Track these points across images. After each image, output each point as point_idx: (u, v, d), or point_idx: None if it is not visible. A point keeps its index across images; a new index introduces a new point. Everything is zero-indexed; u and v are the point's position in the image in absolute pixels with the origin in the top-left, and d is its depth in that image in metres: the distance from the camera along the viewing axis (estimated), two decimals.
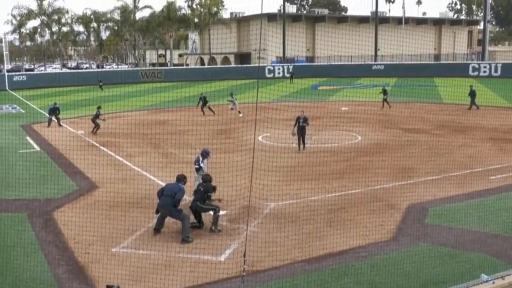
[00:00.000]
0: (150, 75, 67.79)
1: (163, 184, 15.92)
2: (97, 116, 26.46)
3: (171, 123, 29.41)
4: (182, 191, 11.50)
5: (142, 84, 61.44)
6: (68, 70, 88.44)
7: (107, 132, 25.42)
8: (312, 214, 12.67)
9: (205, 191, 11.88)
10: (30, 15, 78.78)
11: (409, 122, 28.01)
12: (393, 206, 13.49)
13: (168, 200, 11.39)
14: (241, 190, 12.66)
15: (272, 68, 69.33)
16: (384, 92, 34.74)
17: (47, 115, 29.97)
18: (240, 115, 30.76)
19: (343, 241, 11.02)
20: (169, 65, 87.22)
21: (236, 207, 13.33)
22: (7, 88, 57.59)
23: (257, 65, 74.41)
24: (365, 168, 17.50)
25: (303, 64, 75.59)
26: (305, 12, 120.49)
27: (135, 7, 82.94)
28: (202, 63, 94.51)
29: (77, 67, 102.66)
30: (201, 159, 13.56)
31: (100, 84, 55.75)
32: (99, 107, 26.94)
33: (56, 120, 29.23)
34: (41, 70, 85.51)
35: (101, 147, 22.84)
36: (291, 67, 67.46)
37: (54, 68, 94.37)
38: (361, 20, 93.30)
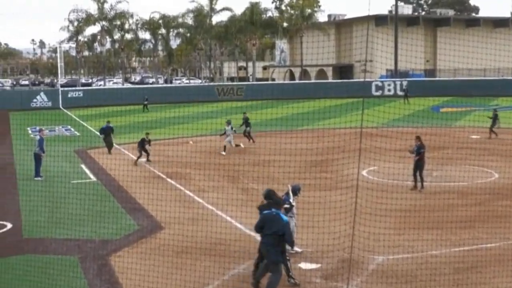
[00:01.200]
0: (228, 91, 69.36)
1: (241, 226, 16.17)
2: (143, 142, 27.29)
3: (253, 152, 29.75)
4: (286, 227, 11.29)
5: (219, 102, 62.86)
6: (131, 85, 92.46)
7: (175, 162, 26.13)
8: (433, 273, 12.31)
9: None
10: (89, 20, 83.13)
11: None
12: None
13: (273, 240, 11.23)
14: (340, 239, 12.50)
15: (380, 84, 68.71)
16: (495, 117, 33.54)
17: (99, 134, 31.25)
18: (241, 146, 30.64)
19: None
20: (251, 79, 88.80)
21: (334, 260, 13.15)
22: (60, 106, 61.10)
23: (361, 80, 74.03)
24: (504, 215, 16.86)
25: (421, 79, 74.26)
26: (423, 13, 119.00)
27: (212, 9, 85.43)
28: (292, 77, 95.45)
29: (141, 82, 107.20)
30: (291, 196, 13.57)
31: (146, 103, 57.07)
32: (147, 133, 27.80)
33: (106, 144, 30.37)
34: (100, 85, 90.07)
35: (168, 179, 23.48)
36: (405, 83, 66.67)
37: (115, 82, 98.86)
38: (497, 23, 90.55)
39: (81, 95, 64.99)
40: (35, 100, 62.22)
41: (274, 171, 22.08)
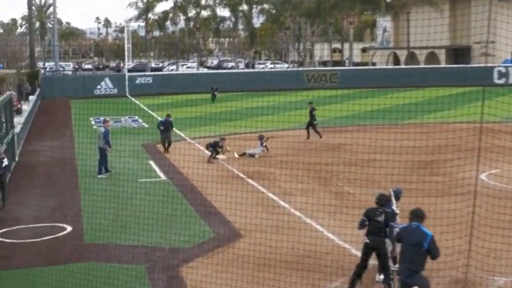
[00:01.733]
0: (320, 78, 69.20)
1: (333, 237, 16.09)
2: (215, 146, 27.51)
3: (349, 149, 29.51)
4: (431, 242, 10.99)
5: (308, 91, 62.70)
6: (207, 71, 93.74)
7: (257, 159, 26.33)
8: None
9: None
10: None
11: None
12: None
13: (410, 255, 11.10)
14: (453, 255, 12.28)
15: (504, 70, 66.97)
16: None
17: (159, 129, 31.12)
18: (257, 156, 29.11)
19: None
20: (347, 64, 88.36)
21: (445, 280, 12.93)
22: (127, 93, 62.62)
23: (481, 65, 72.26)
24: None
25: None
26: None
27: None
28: (397, 61, 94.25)
29: (219, 66, 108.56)
30: (394, 202, 13.40)
31: (215, 93, 57.20)
32: (222, 139, 28.04)
33: (166, 142, 30.46)
34: (172, 70, 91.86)
35: (249, 180, 23.64)
36: None
37: (189, 67, 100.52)
38: None
39: (151, 81, 66.39)
40: (99, 87, 64.12)
41: (374, 173, 21.85)
